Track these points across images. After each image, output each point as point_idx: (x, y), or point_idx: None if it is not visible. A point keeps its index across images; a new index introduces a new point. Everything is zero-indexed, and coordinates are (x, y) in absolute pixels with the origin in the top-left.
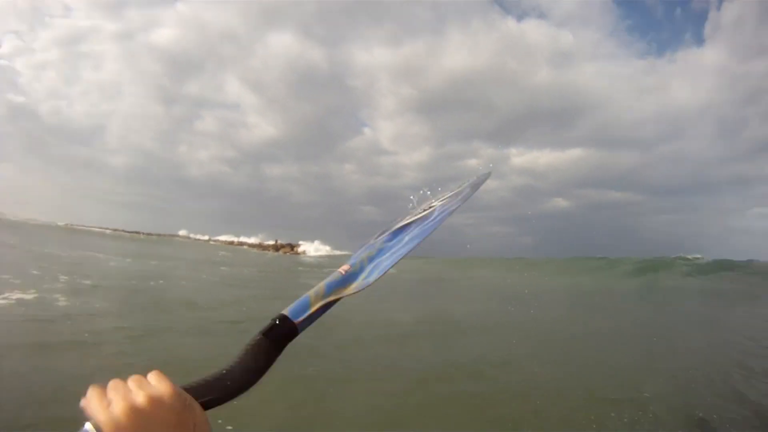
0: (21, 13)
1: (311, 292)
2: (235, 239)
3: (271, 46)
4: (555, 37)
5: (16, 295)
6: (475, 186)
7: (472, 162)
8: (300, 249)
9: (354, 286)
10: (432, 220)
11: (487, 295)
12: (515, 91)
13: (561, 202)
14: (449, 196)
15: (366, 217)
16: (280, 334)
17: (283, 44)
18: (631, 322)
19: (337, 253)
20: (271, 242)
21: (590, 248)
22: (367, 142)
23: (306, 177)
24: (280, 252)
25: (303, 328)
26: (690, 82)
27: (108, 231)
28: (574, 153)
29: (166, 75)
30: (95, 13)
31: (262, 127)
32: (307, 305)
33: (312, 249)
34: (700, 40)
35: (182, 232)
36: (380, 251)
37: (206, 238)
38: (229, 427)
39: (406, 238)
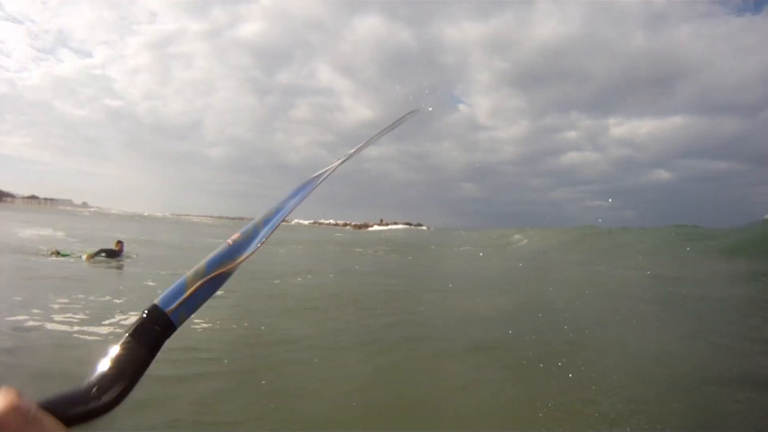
0: (109, 24)
1: (189, 273)
2: (334, 221)
3: (358, 31)
4: None
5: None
6: (400, 122)
7: (571, 134)
8: (371, 228)
9: (243, 256)
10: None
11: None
12: (611, 58)
13: (663, 174)
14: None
15: (467, 193)
16: (151, 331)
17: (370, 27)
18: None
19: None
20: (353, 222)
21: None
22: (463, 119)
23: (404, 156)
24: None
25: (181, 320)
26: None
27: (210, 219)
28: (675, 121)
29: (256, 67)
30: (180, 16)
31: (357, 109)
32: (182, 288)
33: (379, 227)
34: None
35: (292, 220)
36: (278, 211)
37: (308, 222)
38: None
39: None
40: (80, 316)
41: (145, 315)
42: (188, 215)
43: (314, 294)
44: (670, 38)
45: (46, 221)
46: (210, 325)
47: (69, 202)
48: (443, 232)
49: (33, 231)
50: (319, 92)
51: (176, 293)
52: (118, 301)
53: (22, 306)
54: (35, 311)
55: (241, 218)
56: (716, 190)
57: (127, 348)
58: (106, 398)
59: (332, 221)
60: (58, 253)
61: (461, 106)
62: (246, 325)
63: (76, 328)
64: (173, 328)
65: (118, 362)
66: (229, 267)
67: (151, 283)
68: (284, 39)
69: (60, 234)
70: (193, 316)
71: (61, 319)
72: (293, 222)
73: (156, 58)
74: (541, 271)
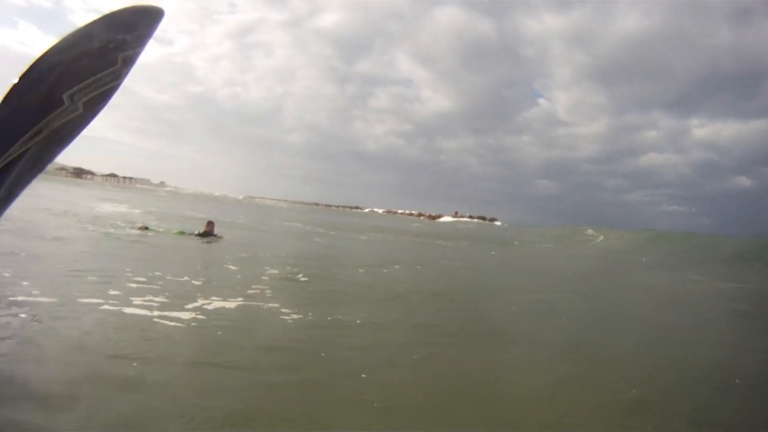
0: (190, 13)
1: None
2: (408, 212)
3: (437, 20)
4: None
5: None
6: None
7: (652, 134)
8: (441, 220)
9: None
10: None
11: None
12: (694, 55)
13: (744, 181)
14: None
15: (542, 190)
16: None
17: (449, 17)
18: None
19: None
20: (426, 213)
21: None
22: (543, 113)
23: (481, 149)
24: (432, 220)
25: None
26: None
27: (285, 203)
28: (758, 125)
29: (336, 57)
30: (260, 6)
31: (435, 100)
32: None
33: (448, 218)
34: None
35: (366, 208)
36: None
37: (382, 211)
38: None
39: None
40: (159, 299)
41: None
42: (263, 198)
43: (399, 287)
44: (755, 34)
45: (124, 198)
46: (301, 316)
47: (147, 181)
48: (517, 227)
49: (111, 207)
50: (398, 82)
51: None
52: (197, 282)
53: (100, 285)
54: (113, 293)
55: (317, 203)
56: None
57: None
58: None
59: (406, 211)
60: (146, 229)
61: (541, 101)
62: (340, 317)
63: (156, 313)
64: None
65: None
66: None
67: (232, 267)
68: (363, 28)
69: (136, 211)
70: None
71: (140, 302)
72: (366, 210)
73: (237, 47)
74: (626, 275)
